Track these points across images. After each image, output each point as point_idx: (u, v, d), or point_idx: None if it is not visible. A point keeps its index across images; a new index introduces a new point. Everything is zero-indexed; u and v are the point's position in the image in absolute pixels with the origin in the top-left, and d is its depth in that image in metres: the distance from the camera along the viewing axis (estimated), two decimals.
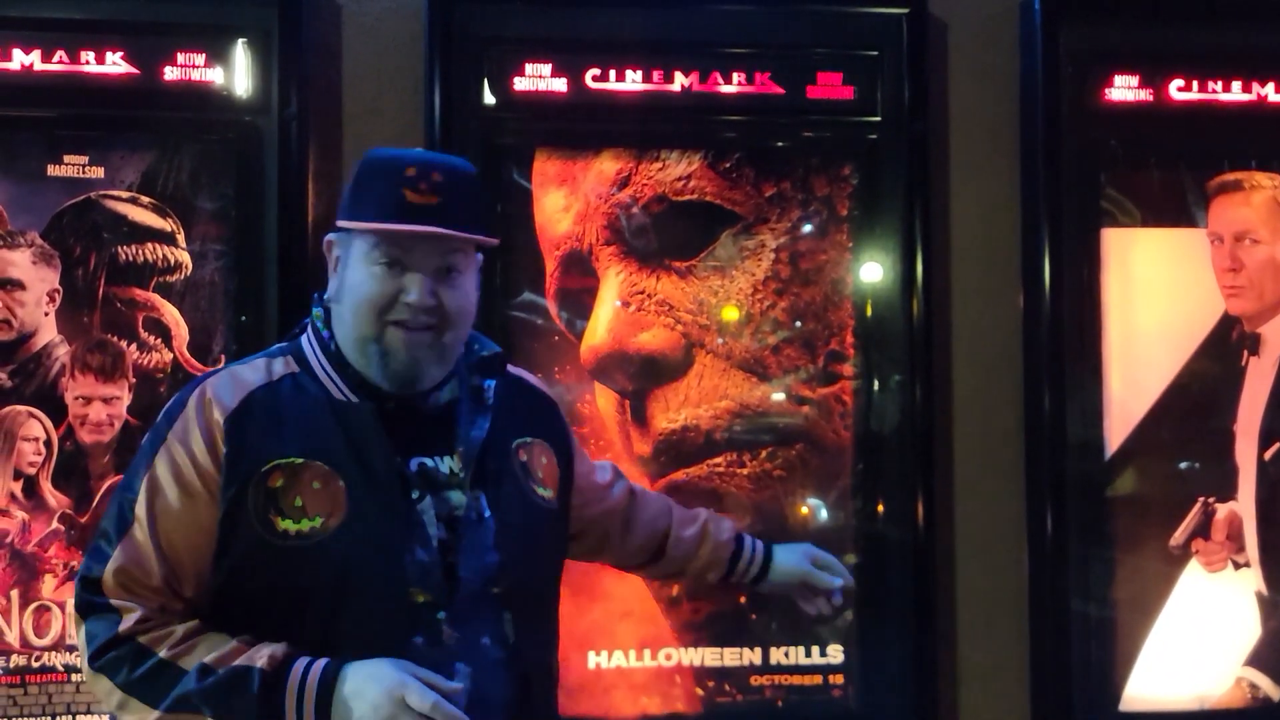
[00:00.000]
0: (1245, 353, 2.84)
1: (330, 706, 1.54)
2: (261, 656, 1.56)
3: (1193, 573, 2.80)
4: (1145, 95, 2.82)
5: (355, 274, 1.68)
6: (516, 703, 1.68)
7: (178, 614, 1.62)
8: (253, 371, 1.71)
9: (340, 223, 1.71)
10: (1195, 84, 2.83)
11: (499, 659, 1.66)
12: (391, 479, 1.65)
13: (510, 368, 1.89)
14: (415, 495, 1.65)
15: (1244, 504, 2.81)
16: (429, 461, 1.69)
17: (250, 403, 1.66)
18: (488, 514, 1.69)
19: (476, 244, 1.73)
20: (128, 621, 1.59)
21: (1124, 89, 2.82)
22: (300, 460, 1.63)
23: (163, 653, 1.58)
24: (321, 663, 1.57)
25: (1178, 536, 2.80)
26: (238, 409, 1.65)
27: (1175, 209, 2.84)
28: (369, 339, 1.67)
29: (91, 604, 1.62)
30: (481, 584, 1.66)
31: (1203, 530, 2.80)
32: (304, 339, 1.75)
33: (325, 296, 1.75)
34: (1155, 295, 2.82)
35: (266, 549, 1.61)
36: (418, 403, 1.71)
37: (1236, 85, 2.84)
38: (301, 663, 1.57)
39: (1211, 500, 2.81)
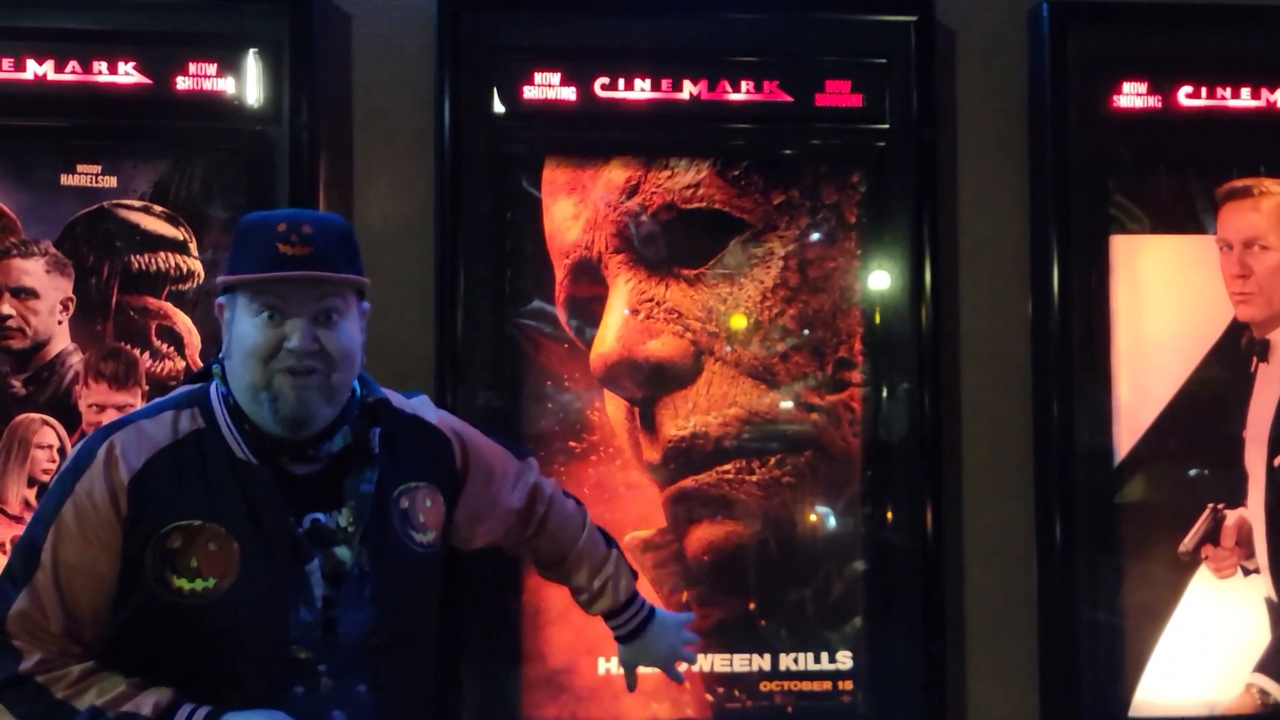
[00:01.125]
0: (1254, 359, 2.84)
1: None
2: (148, 704, 1.67)
3: (1202, 579, 2.80)
4: (1154, 102, 2.82)
5: (241, 327, 1.76)
6: None
7: (76, 655, 1.71)
8: (159, 428, 1.77)
9: (220, 279, 1.81)
10: (1204, 90, 2.83)
11: (373, 704, 1.78)
12: (282, 542, 1.74)
13: (405, 402, 1.97)
14: (305, 556, 1.74)
15: (1254, 510, 2.81)
16: (322, 517, 1.77)
17: (154, 465, 1.74)
18: (368, 568, 1.78)
19: (355, 288, 1.81)
20: (28, 662, 1.69)
21: (1132, 96, 2.82)
22: (199, 523, 1.72)
23: (58, 694, 1.68)
24: (204, 711, 1.68)
25: (1187, 543, 2.80)
26: (142, 471, 1.73)
27: (1184, 215, 2.85)
28: (259, 387, 1.74)
29: None
30: (359, 638, 1.77)
31: (1212, 536, 2.80)
32: (212, 391, 1.82)
33: (220, 355, 1.83)
34: (1164, 302, 2.82)
35: (161, 604, 1.70)
36: (311, 452, 1.78)
37: (1245, 92, 2.84)
38: (184, 710, 1.68)
39: (1221, 506, 2.81)
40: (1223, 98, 2.84)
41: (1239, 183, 2.85)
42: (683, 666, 2.33)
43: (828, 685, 2.75)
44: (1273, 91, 2.85)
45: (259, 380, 1.74)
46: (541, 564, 2.24)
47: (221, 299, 1.82)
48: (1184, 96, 2.83)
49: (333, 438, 1.80)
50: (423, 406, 2.01)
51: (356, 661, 1.76)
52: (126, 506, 1.71)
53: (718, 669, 2.73)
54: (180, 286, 2.62)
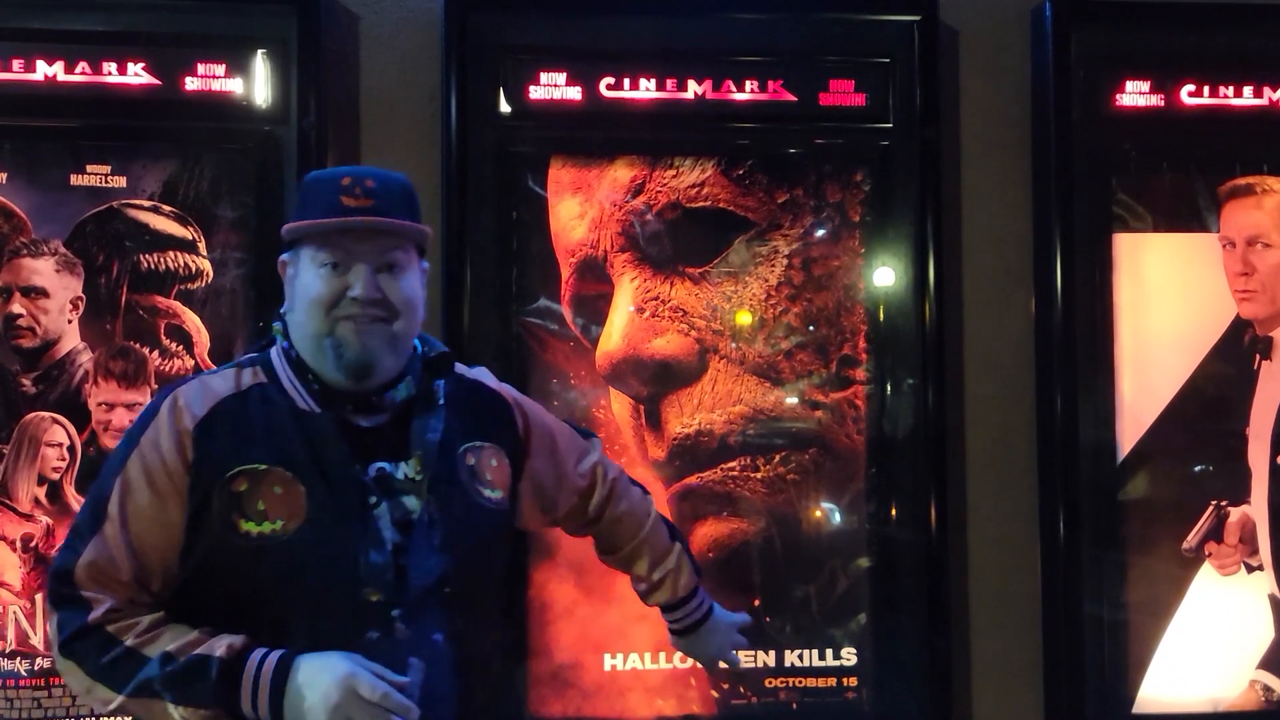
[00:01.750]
0: (1257, 356, 2.84)
1: (284, 695, 1.63)
2: (221, 646, 1.65)
3: (1206, 576, 2.81)
4: (1156, 100, 2.84)
5: (305, 279, 1.75)
6: (464, 694, 1.77)
7: (145, 606, 1.70)
8: (222, 381, 1.78)
9: (284, 229, 1.80)
10: (1206, 89, 2.84)
11: (449, 654, 1.74)
12: (348, 485, 1.72)
13: (466, 369, 1.97)
14: (372, 501, 1.73)
15: (1257, 507, 2.82)
16: (388, 466, 1.76)
17: (218, 412, 1.74)
18: (437, 517, 1.76)
19: (416, 244, 1.82)
20: (97, 612, 1.67)
21: (1135, 94, 2.83)
22: (264, 466, 1.71)
23: (129, 641, 1.66)
24: (277, 653, 1.65)
25: (1190, 540, 2.81)
26: (206, 418, 1.73)
27: (1187, 213, 2.86)
28: (321, 335, 1.74)
29: (63, 595, 1.70)
30: (431, 584, 1.73)
31: (1215, 533, 2.81)
32: (273, 351, 1.82)
33: (282, 310, 1.83)
34: (1167, 299, 2.83)
35: (229, 548, 1.69)
36: (375, 401, 1.77)
37: (1248, 90, 2.86)
38: (258, 653, 1.65)
39: (1224, 503, 2.81)
40: (1225, 96, 2.85)
41: (1241, 180, 2.86)
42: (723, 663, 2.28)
43: (832, 682, 2.76)
44: (1275, 90, 2.86)
45: (322, 328, 1.73)
46: (602, 549, 2.19)
47: (285, 255, 1.81)
48: (1186, 94, 2.84)
49: (397, 386, 1.78)
50: (483, 375, 2.01)
51: (431, 609, 1.73)
52: (192, 452, 1.71)
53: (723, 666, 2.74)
54: (189, 285, 2.64)
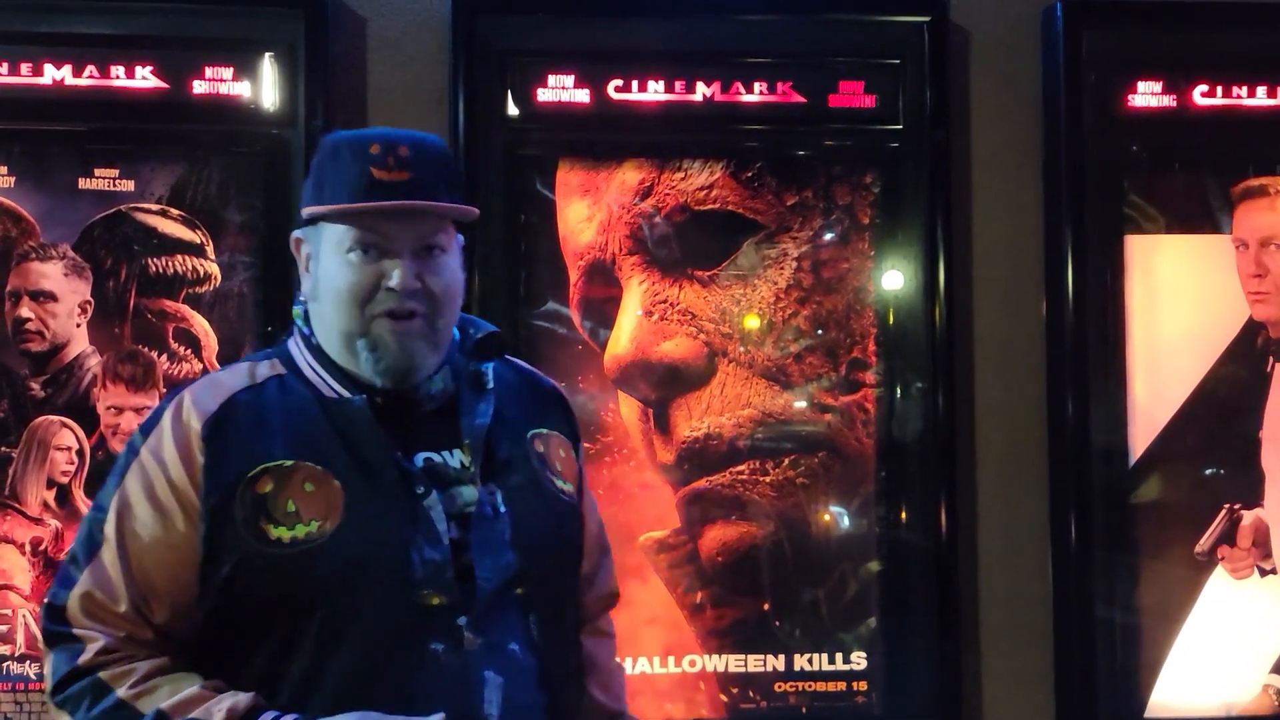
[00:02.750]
0: (1270, 359, 2.82)
1: None
2: (221, 709, 1.43)
3: (1218, 580, 2.79)
4: (1168, 101, 2.81)
5: (330, 266, 1.54)
6: (551, 710, 1.56)
7: (146, 643, 1.49)
8: (233, 376, 1.58)
9: (305, 210, 1.58)
10: (1219, 89, 2.82)
11: (530, 665, 1.54)
12: (392, 475, 1.51)
13: (516, 361, 1.79)
14: (420, 491, 1.52)
15: (1270, 511, 2.80)
16: (436, 456, 1.56)
17: (231, 407, 1.53)
18: (503, 509, 1.56)
19: (455, 220, 1.60)
20: (89, 652, 1.47)
21: (1147, 95, 2.81)
22: (290, 462, 1.49)
23: (121, 692, 1.45)
24: (289, 718, 1.44)
25: (1203, 543, 2.79)
26: (216, 414, 1.51)
27: (1199, 215, 2.84)
28: (354, 334, 1.54)
29: (56, 634, 1.50)
30: (502, 585, 1.52)
31: (1228, 537, 2.79)
32: (290, 342, 1.63)
33: (302, 296, 1.63)
34: (1179, 301, 2.81)
35: (260, 560, 1.47)
36: (409, 394, 1.58)
37: (1261, 90, 2.83)
38: (266, 717, 1.44)
39: (1237, 507, 2.80)
40: (1238, 96, 2.83)
41: (1255, 181, 2.84)
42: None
43: (842, 686, 2.75)
44: None
45: (355, 327, 1.53)
46: None
47: (299, 233, 1.60)
48: (1199, 95, 2.82)
49: (433, 377, 1.58)
50: (527, 365, 1.82)
51: (504, 615, 1.52)
52: (202, 455, 1.49)
53: (732, 669, 2.73)
54: (197, 289, 2.64)
